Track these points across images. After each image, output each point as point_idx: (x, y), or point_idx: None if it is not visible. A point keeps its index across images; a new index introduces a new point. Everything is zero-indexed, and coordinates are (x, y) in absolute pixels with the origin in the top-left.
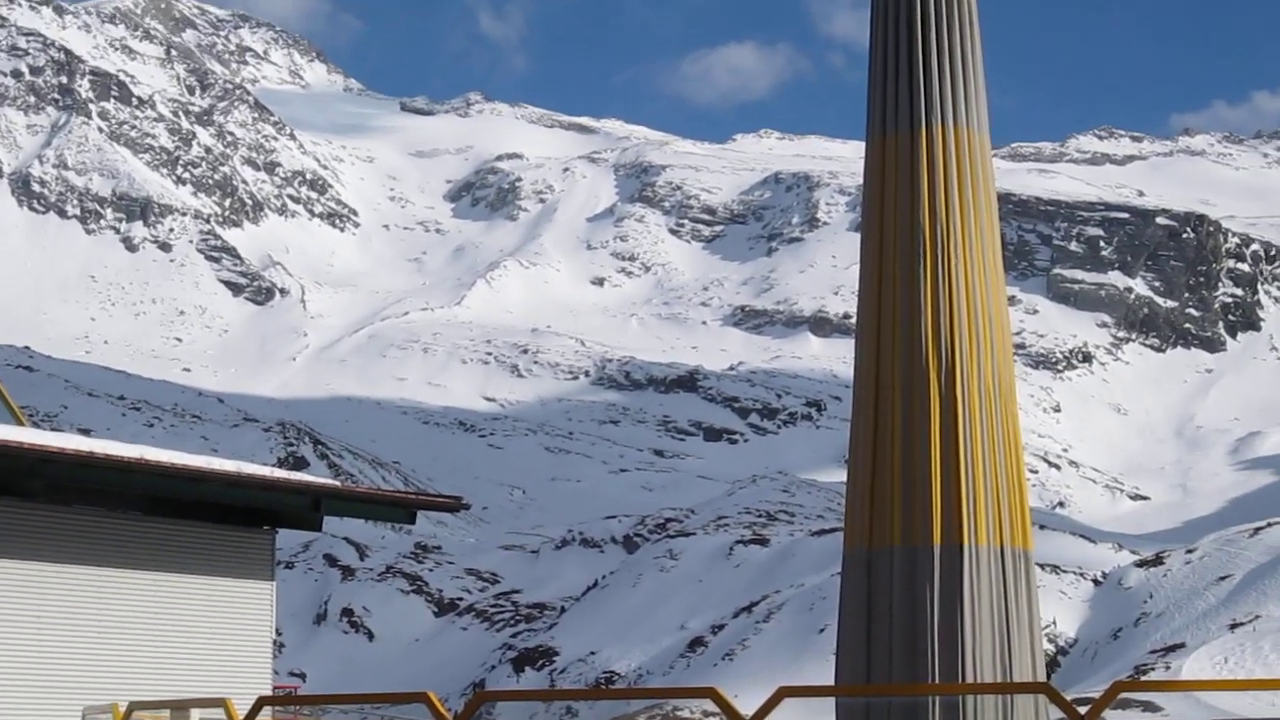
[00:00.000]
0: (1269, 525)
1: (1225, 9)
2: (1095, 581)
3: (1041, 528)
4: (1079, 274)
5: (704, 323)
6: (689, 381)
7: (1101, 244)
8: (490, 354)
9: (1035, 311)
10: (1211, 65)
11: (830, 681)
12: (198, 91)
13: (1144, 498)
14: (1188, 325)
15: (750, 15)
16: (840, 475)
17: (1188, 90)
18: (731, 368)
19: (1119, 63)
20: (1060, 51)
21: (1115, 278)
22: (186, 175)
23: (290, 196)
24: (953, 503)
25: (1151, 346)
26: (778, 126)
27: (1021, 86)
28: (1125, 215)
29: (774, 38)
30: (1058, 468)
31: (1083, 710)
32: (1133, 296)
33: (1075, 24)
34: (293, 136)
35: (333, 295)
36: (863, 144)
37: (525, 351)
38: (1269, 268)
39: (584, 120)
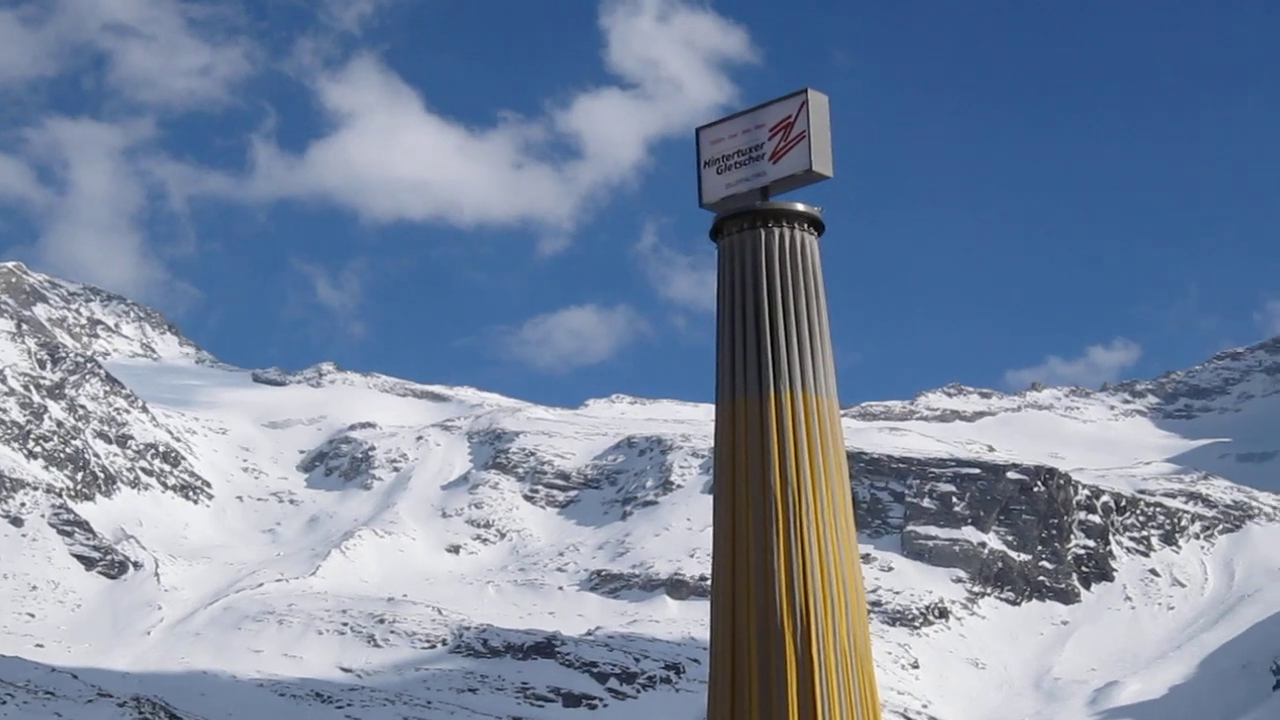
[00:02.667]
0: None
1: (1051, 271)
2: None
3: None
4: (933, 530)
5: (560, 588)
6: (547, 648)
7: (954, 500)
8: (346, 624)
9: (890, 569)
10: (1046, 323)
11: None
12: (49, 365)
13: None
14: (1042, 578)
15: (588, 279)
16: None
17: (1025, 348)
18: (589, 633)
19: (960, 323)
20: (905, 311)
21: (969, 533)
22: (38, 449)
23: (143, 469)
24: None
25: (1007, 600)
26: (629, 391)
27: (871, 346)
28: (976, 470)
29: (613, 300)
30: None
31: None
32: (986, 551)
33: (916, 285)
34: (145, 409)
35: (187, 568)
36: (713, 407)
37: (382, 621)
38: (1120, 518)
39: (437, 388)
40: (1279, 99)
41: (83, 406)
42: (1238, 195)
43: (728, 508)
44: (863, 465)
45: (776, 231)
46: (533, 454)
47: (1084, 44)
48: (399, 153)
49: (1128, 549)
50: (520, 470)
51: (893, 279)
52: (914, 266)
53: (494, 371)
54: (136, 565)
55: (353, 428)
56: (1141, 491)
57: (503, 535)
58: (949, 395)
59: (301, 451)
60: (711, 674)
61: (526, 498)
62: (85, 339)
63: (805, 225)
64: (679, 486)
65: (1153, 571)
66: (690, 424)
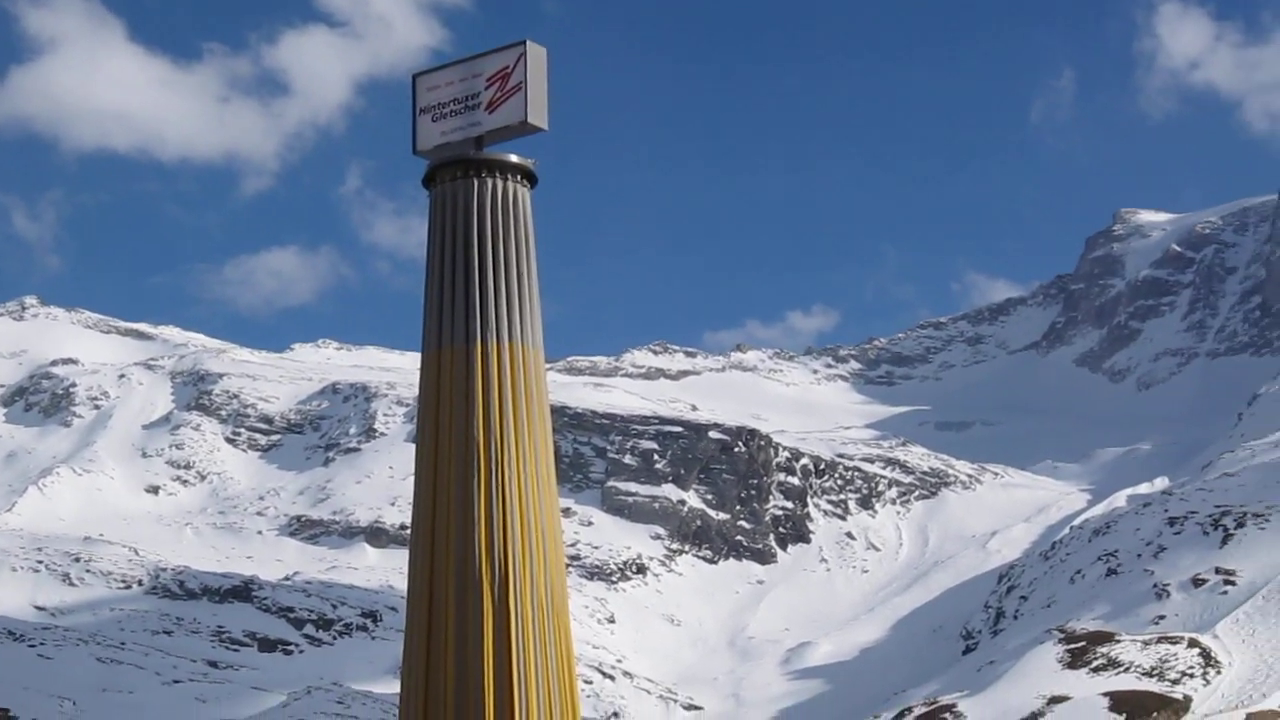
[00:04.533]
0: None
1: (754, 235)
2: None
3: None
4: (633, 486)
5: (259, 532)
6: (244, 591)
7: (655, 457)
8: (41, 562)
9: (590, 523)
10: (746, 287)
11: None
12: None
13: (697, 708)
14: (739, 537)
15: (292, 220)
16: (395, 686)
17: (725, 311)
18: (287, 578)
19: (665, 283)
20: (614, 268)
21: (669, 490)
22: None
23: None
24: (505, 715)
25: (704, 558)
26: (335, 336)
27: (579, 300)
28: (679, 429)
29: (316, 242)
30: (612, 678)
31: None
32: (686, 509)
33: (624, 243)
34: None
35: None
36: (420, 355)
37: (77, 560)
38: (818, 481)
39: (141, 326)
40: (978, 67)
41: None
42: (934, 166)
43: (429, 457)
44: (566, 420)
45: (490, 182)
46: (236, 396)
47: None
48: (101, 82)
49: (825, 512)
50: (223, 412)
51: (602, 235)
52: (622, 223)
53: (195, 310)
54: None
55: (54, 363)
56: (840, 456)
57: (203, 477)
58: (655, 353)
59: (1, 386)
60: (408, 623)
61: (228, 440)
62: None
63: (518, 177)
64: (382, 434)
65: (849, 535)
66: (396, 372)
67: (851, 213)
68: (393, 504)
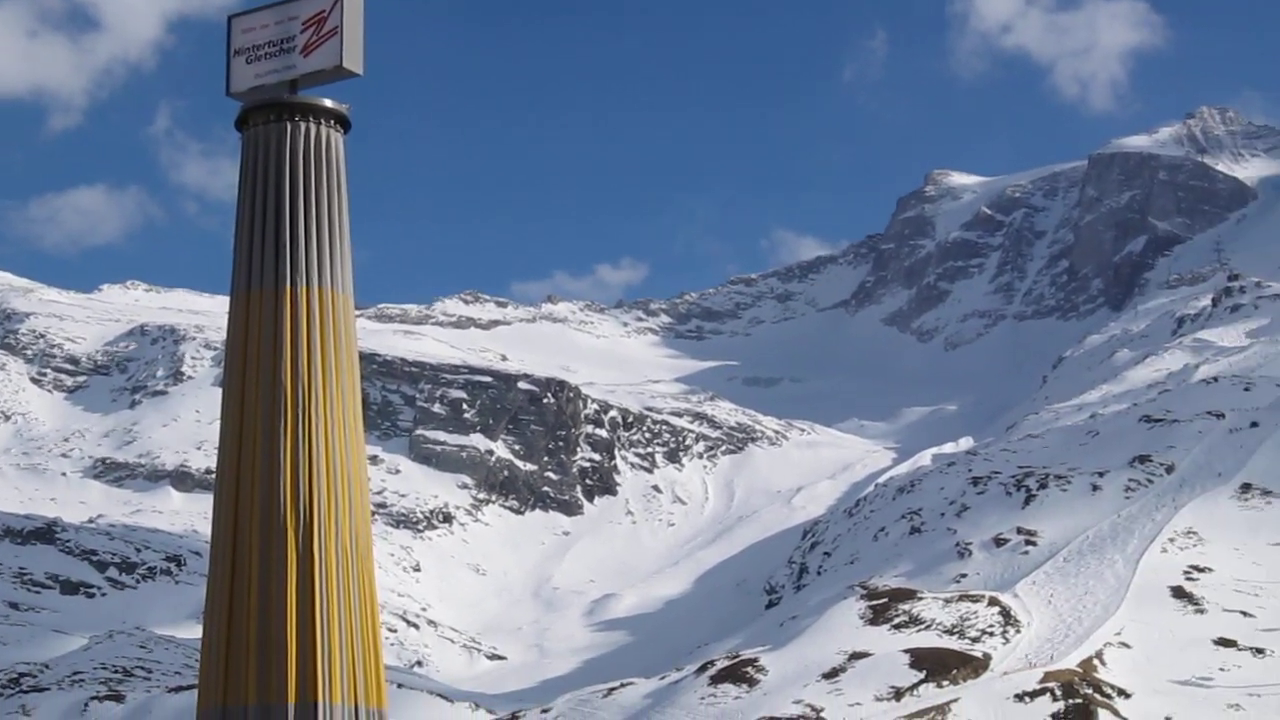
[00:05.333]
0: (622, 686)
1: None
2: None
3: (399, 687)
4: (441, 435)
5: (64, 474)
6: (47, 533)
7: (464, 406)
8: None
9: (397, 471)
10: (555, 238)
11: None
12: None
13: (501, 657)
14: (546, 488)
15: (99, 158)
16: (198, 631)
17: (533, 262)
18: (91, 521)
19: (477, 231)
20: (426, 215)
21: (477, 440)
22: None
23: None
24: (308, 660)
25: (511, 509)
26: (144, 278)
27: (391, 247)
28: (488, 379)
29: (124, 181)
30: (416, 627)
31: None
32: (494, 459)
33: (434, 191)
34: None
35: None
36: (229, 298)
37: None
38: (626, 434)
39: None
40: (791, 24)
41: None
42: (745, 123)
43: (237, 401)
44: (375, 367)
45: (303, 126)
46: (43, 336)
47: None
48: None
49: (632, 465)
50: (29, 352)
51: (415, 183)
52: (433, 171)
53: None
54: None
55: None
56: (649, 409)
57: (7, 418)
58: (466, 302)
59: None
60: (211, 568)
61: (34, 380)
62: None
63: (332, 121)
64: (190, 377)
65: (655, 488)
66: (206, 315)
67: (660, 166)
68: (199, 448)
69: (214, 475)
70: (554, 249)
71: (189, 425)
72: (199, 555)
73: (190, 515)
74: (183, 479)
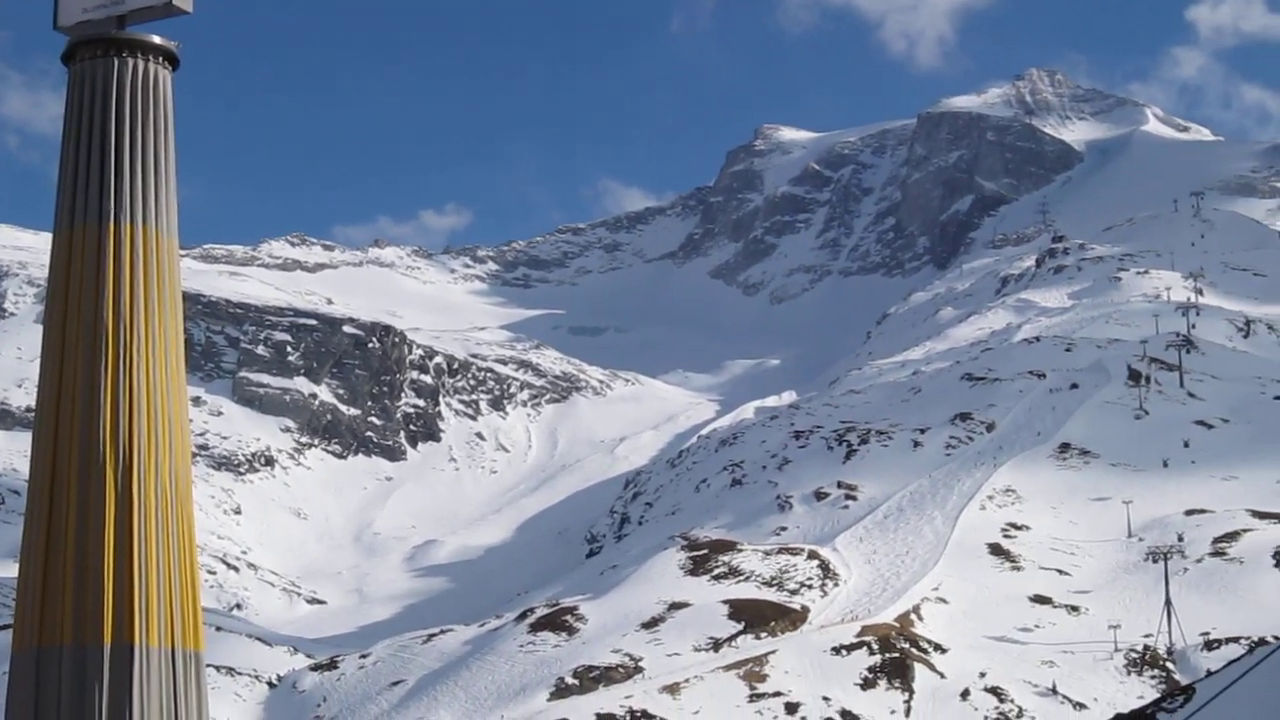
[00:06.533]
0: (441, 632)
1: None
2: (270, 684)
3: (218, 629)
4: (265, 378)
5: None
6: None
7: (289, 349)
8: None
9: (220, 413)
10: (379, 181)
11: None
12: None
13: (321, 602)
14: (370, 433)
15: None
16: (14, 570)
17: (357, 206)
18: None
19: (302, 173)
20: (253, 156)
21: (301, 383)
22: None
23: None
24: (124, 601)
25: (334, 453)
26: None
27: (218, 188)
28: (313, 322)
29: None
30: (236, 569)
31: None
32: (317, 402)
33: (261, 132)
34: None
35: None
36: (51, 235)
37: None
38: (451, 380)
39: None
40: None
41: None
42: (568, 69)
43: (57, 339)
44: (200, 308)
45: (130, 62)
46: None
47: None
48: None
49: (456, 411)
50: None
51: (242, 124)
52: (260, 112)
53: None
54: None
55: None
56: (474, 356)
57: None
58: (292, 245)
59: None
60: (29, 506)
61: None
62: None
63: (160, 59)
64: (12, 314)
65: (479, 435)
66: (29, 251)
67: (485, 114)
68: (19, 386)
69: (33, 413)
70: (379, 193)
71: (10, 362)
72: (18, 494)
73: (10, 454)
74: (3, 417)
